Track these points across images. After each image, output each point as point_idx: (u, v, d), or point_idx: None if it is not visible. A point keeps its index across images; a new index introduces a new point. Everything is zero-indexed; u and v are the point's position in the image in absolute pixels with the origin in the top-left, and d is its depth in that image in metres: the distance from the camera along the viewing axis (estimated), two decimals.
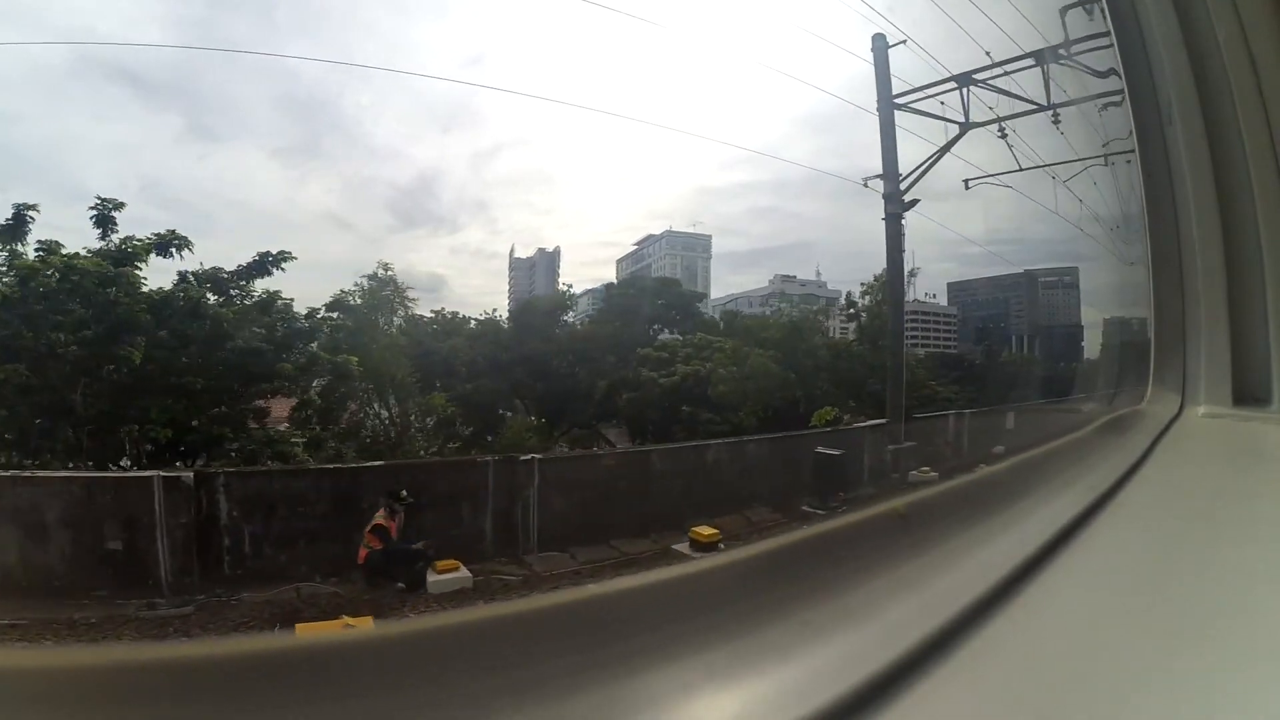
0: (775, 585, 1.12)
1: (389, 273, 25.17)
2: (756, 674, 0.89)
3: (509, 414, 28.60)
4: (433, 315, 29.93)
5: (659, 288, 38.14)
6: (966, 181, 22.96)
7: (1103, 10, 3.49)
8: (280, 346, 17.88)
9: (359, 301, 23.87)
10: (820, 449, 17.49)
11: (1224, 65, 2.70)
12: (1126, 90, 3.39)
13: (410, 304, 26.22)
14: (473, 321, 31.07)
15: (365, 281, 24.77)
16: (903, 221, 20.91)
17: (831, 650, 0.94)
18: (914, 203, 20.77)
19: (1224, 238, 2.91)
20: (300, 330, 18.90)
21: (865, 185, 21.60)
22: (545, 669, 0.83)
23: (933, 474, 18.06)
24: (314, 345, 19.01)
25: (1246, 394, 2.89)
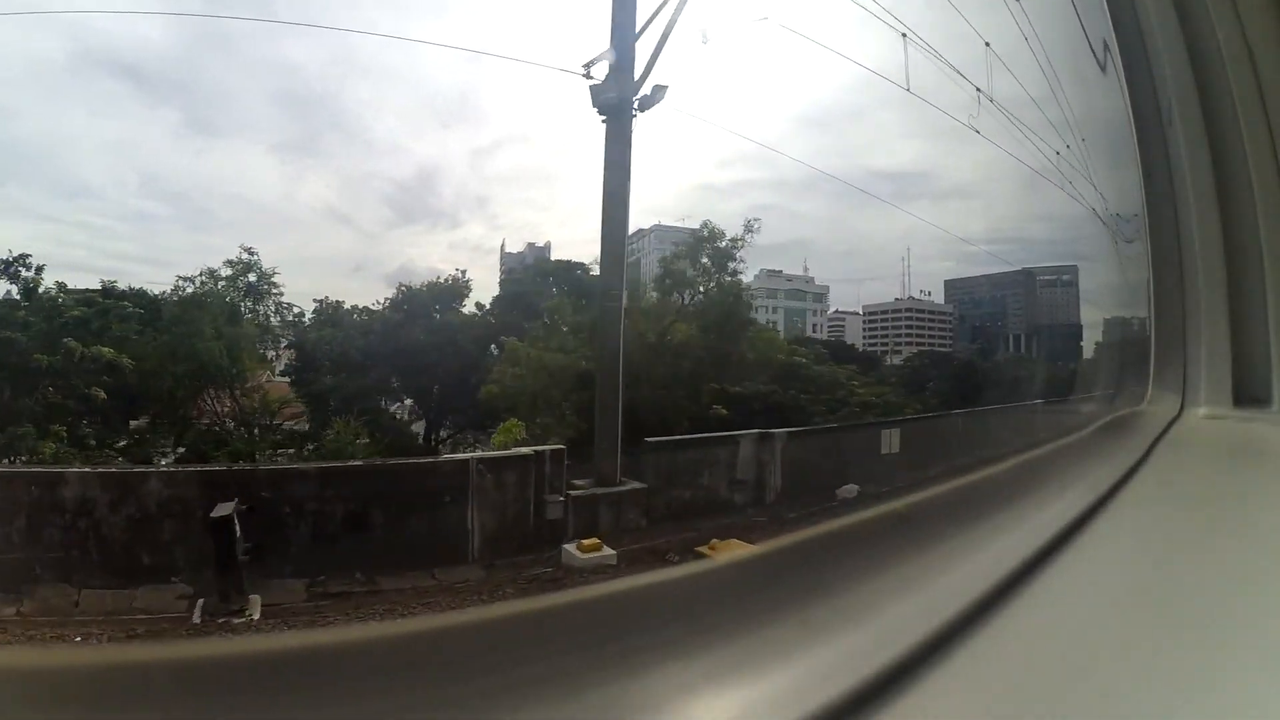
0: (775, 585, 1.12)
1: (253, 257, 23.07)
2: (756, 674, 0.89)
3: (397, 413, 26.16)
4: (316, 303, 26.95)
5: (560, 272, 33.04)
6: (703, 34, 16.33)
7: (1103, 10, 3.49)
8: (45, 337, 17.00)
9: (198, 289, 21.85)
10: (218, 509, 9.49)
11: (1224, 65, 2.70)
12: (1126, 90, 3.39)
13: (277, 290, 23.93)
14: (360, 312, 27.72)
15: (225, 268, 22.43)
16: (634, 117, 13.69)
17: (831, 650, 0.94)
18: (659, 91, 13.90)
19: (1224, 238, 2.91)
20: (71, 320, 17.86)
21: (587, 76, 14.44)
22: (545, 669, 0.83)
23: (607, 555, 11.02)
24: (69, 338, 17.52)
25: (1246, 395, 2.89)
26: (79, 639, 8.50)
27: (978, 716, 0.87)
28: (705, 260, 24.90)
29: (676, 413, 20.48)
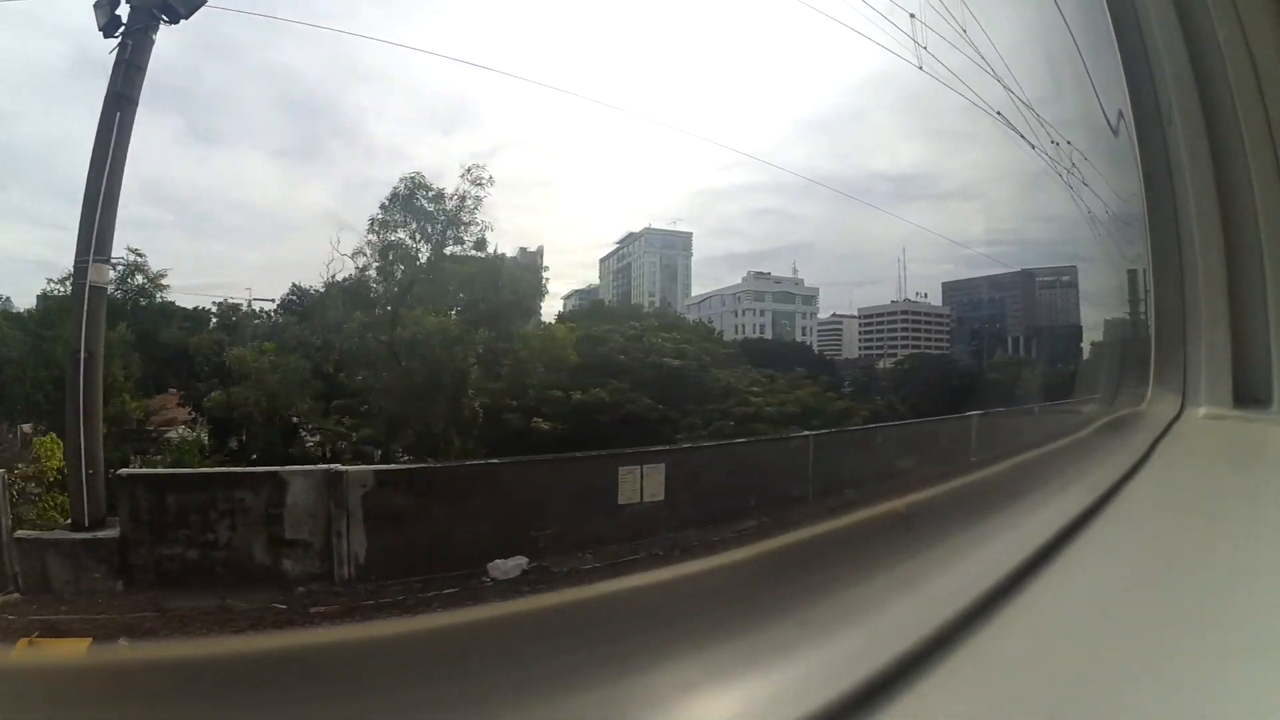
0: (775, 585, 1.12)
1: (141, 258, 21.06)
2: (757, 673, 0.89)
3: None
4: (215, 305, 24.02)
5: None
6: None
7: (1103, 11, 3.49)
8: None
9: (65, 293, 21.40)
10: None
11: (1224, 65, 2.70)
12: (1127, 90, 3.40)
13: (162, 291, 21.88)
14: (260, 315, 24.60)
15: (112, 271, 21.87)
16: (156, 29, 10.67)
17: (831, 650, 0.94)
18: None
19: (1224, 238, 2.91)
20: None
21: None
22: (545, 668, 0.83)
23: None
24: None
25: (1246, 395, 2.89)
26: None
27: (978, 716, 0.87)
28: (424, 223, 18.39)
29: (445, 427, 15.94)
